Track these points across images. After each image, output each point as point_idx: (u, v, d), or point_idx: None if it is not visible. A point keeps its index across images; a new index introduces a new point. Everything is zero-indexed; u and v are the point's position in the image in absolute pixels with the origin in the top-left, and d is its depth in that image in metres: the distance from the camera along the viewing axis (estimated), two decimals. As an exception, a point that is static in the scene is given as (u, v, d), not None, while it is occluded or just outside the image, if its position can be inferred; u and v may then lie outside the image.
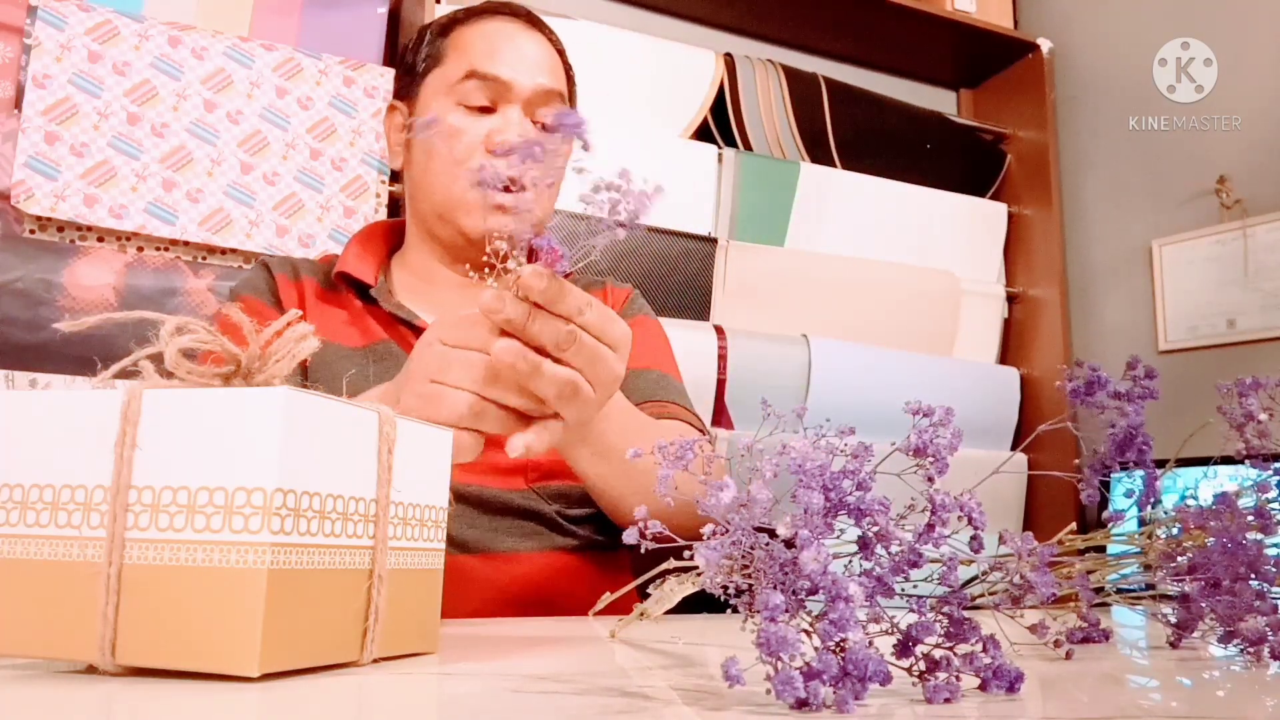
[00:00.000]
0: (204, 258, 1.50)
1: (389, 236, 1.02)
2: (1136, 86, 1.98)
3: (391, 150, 1.00)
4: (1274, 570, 0.51)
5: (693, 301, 1.83)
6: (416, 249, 0.98)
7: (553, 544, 0.90)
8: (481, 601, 0.85)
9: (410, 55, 0.98)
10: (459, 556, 0.85)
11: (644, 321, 1.02)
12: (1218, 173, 1.90)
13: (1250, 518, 0.53)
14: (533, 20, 0.98)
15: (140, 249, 1.46)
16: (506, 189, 0.81)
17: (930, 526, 0.37)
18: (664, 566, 0.55)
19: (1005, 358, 2.17)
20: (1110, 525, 0.60)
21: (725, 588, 0.35)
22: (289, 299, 0.92)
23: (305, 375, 0.87)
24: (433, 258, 0.97)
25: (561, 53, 0.99)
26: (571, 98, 1.01)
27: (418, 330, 0.92)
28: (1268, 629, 0.48)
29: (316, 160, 1.57)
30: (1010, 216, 2.20)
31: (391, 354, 0.90)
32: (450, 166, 0.91)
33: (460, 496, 0.85)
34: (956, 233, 2.12)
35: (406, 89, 0.98)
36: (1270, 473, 0.58)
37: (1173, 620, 0.54)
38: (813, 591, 0.33)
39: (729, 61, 1.95)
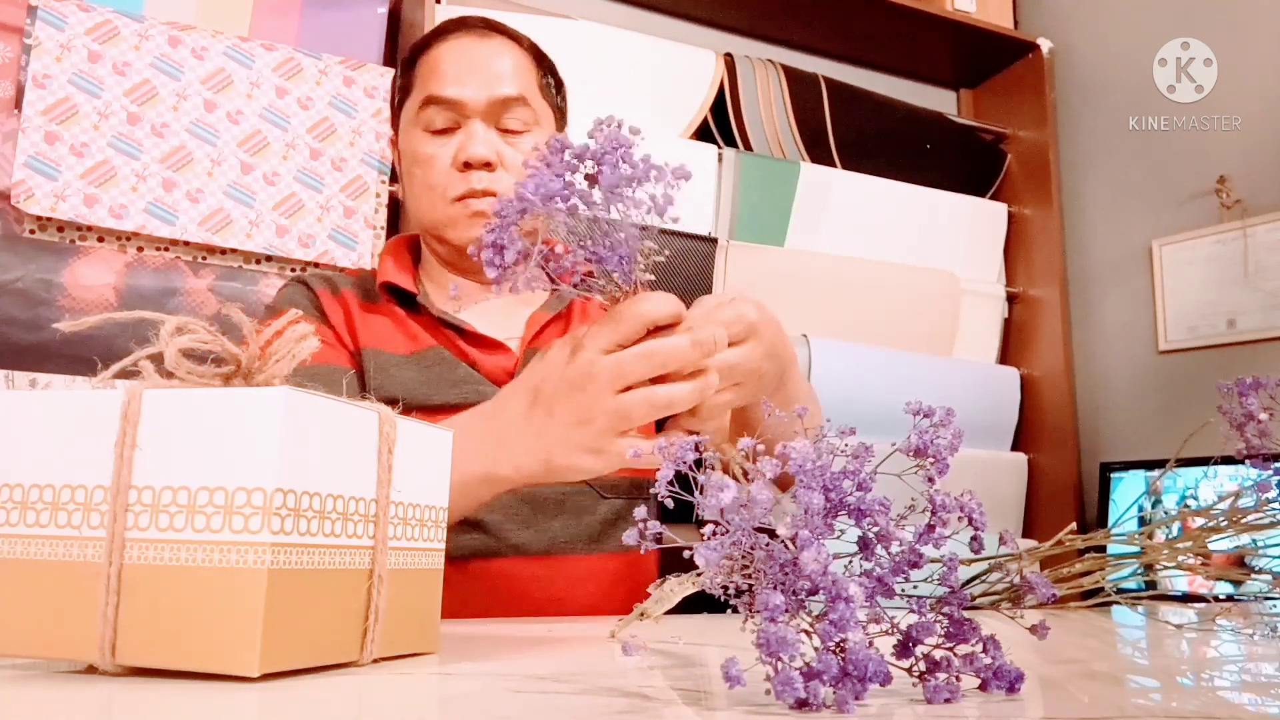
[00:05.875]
0: (204, 258, 1.50)
1: (413, 249, 1.06)
2: (1136, 86, 1.98)
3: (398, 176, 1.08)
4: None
5: (693, 301, 1.82)
6: (430, 261, 1.04)
7: (605, 547, 0.92)
8: (535, 604, 0.86)
9: (394, 90, 1.06)
10: (517, 559, 0.87)
11: None
12: (1218, 173, 1.89)
13: None
14: (490, 27, 0.99)
15: (140, 249, 1.46)
16: (484, 194, 0.93)
17: (930, 527, 0.37)
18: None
19: (1005, 358, 2.16)
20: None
21: (725, 588, 0.35)
22: (334, 313, 0.95)
23: (363, 385, 0.89)
24: (439, 267, 1.03)
25: (533, 50, 1.00)
26: (559, 90, 1.04)
27: (465, 334, 0.94)
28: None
29: (316, 160, 1.57)
30: (1010, 216, 2.20)
31: (443, 359, 0.92)
32: (425, 191, 0.96)
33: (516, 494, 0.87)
34: (956, 233, 2.12)
35: (396, 120, 1.05)
36: (1270, 473, 0.58)
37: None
38: (813, 592, 0.33)
39: (729, 61, 1.95)
